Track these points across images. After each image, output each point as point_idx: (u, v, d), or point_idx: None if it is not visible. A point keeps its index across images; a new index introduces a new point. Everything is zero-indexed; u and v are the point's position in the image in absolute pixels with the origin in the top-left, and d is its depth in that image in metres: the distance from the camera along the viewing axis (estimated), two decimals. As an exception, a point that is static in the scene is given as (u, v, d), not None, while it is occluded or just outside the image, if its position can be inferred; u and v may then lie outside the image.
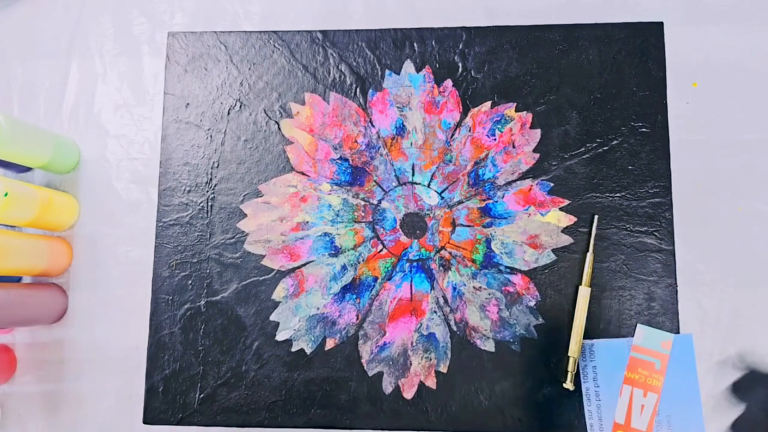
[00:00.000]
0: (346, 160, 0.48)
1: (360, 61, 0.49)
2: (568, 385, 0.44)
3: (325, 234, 0.48)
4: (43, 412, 0.49)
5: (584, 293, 0.44)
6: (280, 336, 0.47)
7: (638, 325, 0.45)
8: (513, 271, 0.46)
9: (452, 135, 0.48)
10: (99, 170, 0.52)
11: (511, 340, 0.46)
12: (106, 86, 0.53)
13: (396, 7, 0.52)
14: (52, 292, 0.49)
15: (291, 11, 0.53)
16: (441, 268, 0.47)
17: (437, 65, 0.49)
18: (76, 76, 0.53)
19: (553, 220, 0.47)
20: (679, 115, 0.49)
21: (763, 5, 0.50)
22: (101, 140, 0.52)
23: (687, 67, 0.49)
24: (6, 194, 0.43)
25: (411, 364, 0.46)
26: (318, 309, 0.47)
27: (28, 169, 0.51)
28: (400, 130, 0.49)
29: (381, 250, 0.47)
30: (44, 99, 0.53)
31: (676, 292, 0.46)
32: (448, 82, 0.49)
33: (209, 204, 0.48)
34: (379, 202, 0.48)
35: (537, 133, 0.48)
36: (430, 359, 0.46)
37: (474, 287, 0.46)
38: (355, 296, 0.47)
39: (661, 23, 0.48)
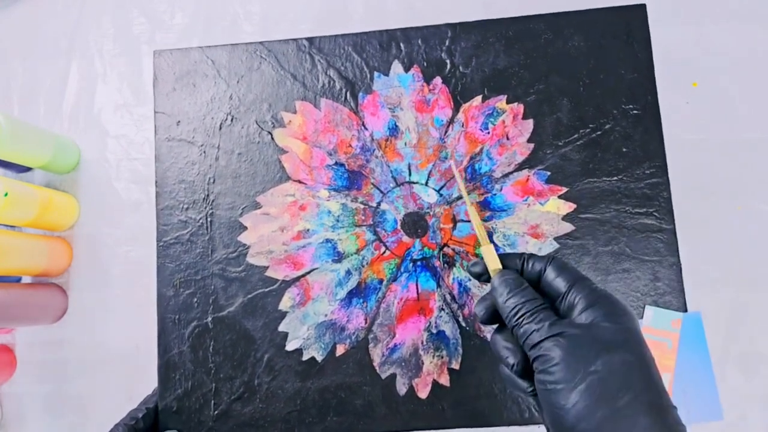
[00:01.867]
0: (342, 165, 0.48)
1: (348, 65, 0.50)
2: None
3: (327, 240, 0.47)
4: (43, 412, 0.49)
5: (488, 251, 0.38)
6: (290, 346, 0.46)
7: (646, 306, 0.45)
8: (517, 262, 0.46)
9: (446, 132, 0.48)
10: (99, 170, 0.52)
11: (521, 331, 0.46)
12: (106, 86, 0.53)
13: (396, 7, 0.52)
14: (52, 292, 0.49)
15: (291, 11, 0.53)
16: (445, 265, 0.47)
17: (425, 64, 0.49)
18: (76, 76, 0.53)
19: (553, 209, 0.47)
20: (678, 114, 0.49)
21: (763, 5, 0.50)
22: (101, 140, 0.52)
23: (687, 67, 0.50)
24: (6, 194, 0.43)
25: (423, 363, 0.46)
26: (326, 316, 0.47)
27: (28, 169, 0.51)
28: (394, 130, 0.49)
29: (384, 252, 0.47)
30: (44, 99, 0.53)
31: (680, 270, 0.46)
32: (438, 80, 0.49)
33: (208, 220, 0.48)
34: (378, 204, 0.48)
35: (530, 123, 0.48)
36: (442, 357, 0.46)
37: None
38: (362, 300, 0.47)
39: (644, 5, 0.49)
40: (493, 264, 0.36)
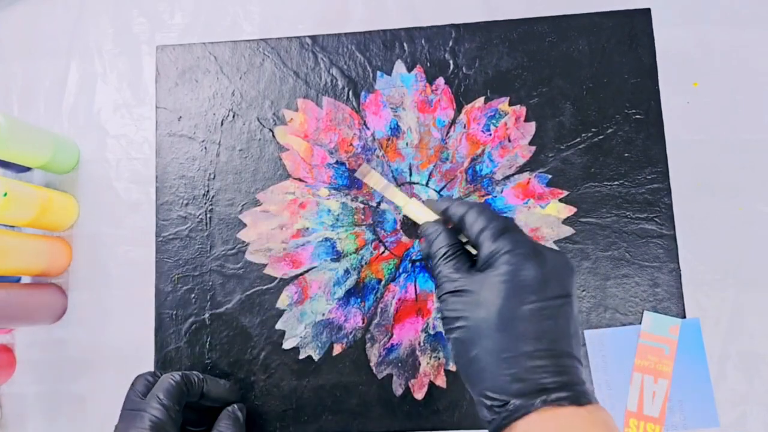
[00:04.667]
0: (343, 163, 0.48)
1: (351, 64, 0.49)
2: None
3: (326, 239, 0.47)
4: (42, 412, 0.49)
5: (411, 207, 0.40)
6: (287, 344, 0.46)
7: (645, 312, 0.45)
8: (516, 265, 0.46)
9: (447, 133, 0.48)
10: (99, 170, 0.51)
11: (519, 334, 0.45)
12: (106, 86, 0.53)
13: (395, 6, 0.52)
14: (52, 292, 0.49)
15: (291, 9, 0.52)
16: (444, 266, 0.47)
17: (428, 64, 0.49)
18: (75, 75, 0.53)
19: (553, 212, 0.47)
20: (679, 115, 0.48)
21: (763, 6, 0.50)
22: (101, 140, 0.52)
23: (687, 67, 0.49)
24: (5, 194, 0.43)
25: (420, 364, 0.46)
26: (323, 315, 0.46)
27: (28, 169, 0.51)
28: (395, 130, 0.49)
29: (383, 252, 0.47)
30: (44, 99, 0.53)
31: (680, 276, 0.46)
32: (440, 80, 0.49)
33: (208, 216, 0.48)
34: (378, 203, 0.48)
35: (532, 126, 0.48)
36: (439, 358, 0.46)
37: (478, 284, 0.46)
38: (359, 300, 0.47)
39: (648, 9, 0.49)
40: (421, 218, 0.38)
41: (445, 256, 0.35)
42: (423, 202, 0.39)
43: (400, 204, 0.40)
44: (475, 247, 0.35)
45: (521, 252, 0.32)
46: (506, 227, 0.34)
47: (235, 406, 0.43)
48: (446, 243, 0.36)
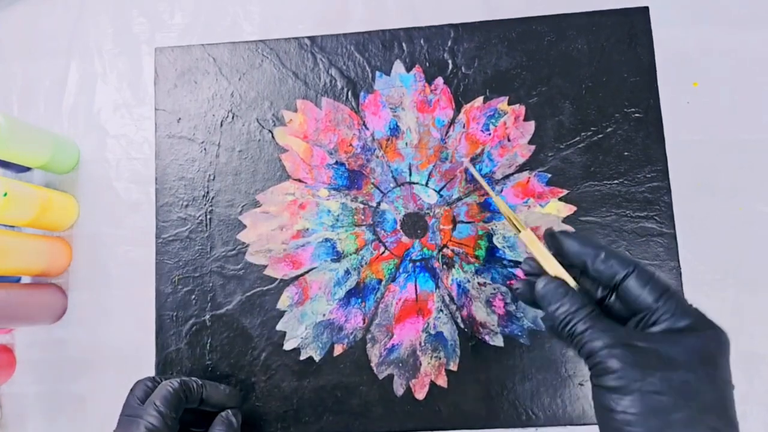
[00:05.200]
0: (343, 164, 0.48)
1: (350, 64, 0.49)
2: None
3: (326, 240, 0.47)
4: (42, 412, 0.49)
5: (527, 237, 0.38)
6: (288, 345, 0.46)
7: (645, 311, 0.45)
8: (516, 264, 0.46)
9: (447, 132, 0.48)
10: (98, 170, 0.52)
11: (520, 333, 0.45)
12: (106, 86, 0.53)
13: (396, 7, 0.52)
14: (52, 292, 0.49)
15: (291, 10, 0.53)
16: (444, 266, 0.47)
17: (427, 64, 0.49)
18: (75, 75, 0.53)
19: (553, 211, 0.47)
20: (679, 115, 0.48)
21: (763, 5, 0.50)
22: (101, 140, 0.52)
23: (687, 67, 0.49)
24: (5, 194, 0.43)
25: (421, 364, 0.46)
26: (324, 315, 0.46)
27: (28, 169, 0.51)
28: (395, 130, 0.49)
29: (383, 252, 0.47)
30: (44, 99, 0.53)
31: (680, 274, 0.46)
32: (439, 80, 0.49)
33: (208, 217, 0.48)
34: (378, 204, 0.48)
35: (531, 125, 0.48)
36: (440, 358, 0.46)
37: (478, 283, 0.46)
38: (360, 300, 0.47)
39: (647, 8, 0.49)
40: (543, 258, 0.36)
41: (587, 317, 0.32)
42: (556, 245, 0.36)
43: (519, 227, 0.38)
44: (620, 300, 0.34)
45: (708, 323, 0.32)
46: (683, 307, 0.33)
47: (230, 411, 0.42)
48: (582, 303, 0.33)
